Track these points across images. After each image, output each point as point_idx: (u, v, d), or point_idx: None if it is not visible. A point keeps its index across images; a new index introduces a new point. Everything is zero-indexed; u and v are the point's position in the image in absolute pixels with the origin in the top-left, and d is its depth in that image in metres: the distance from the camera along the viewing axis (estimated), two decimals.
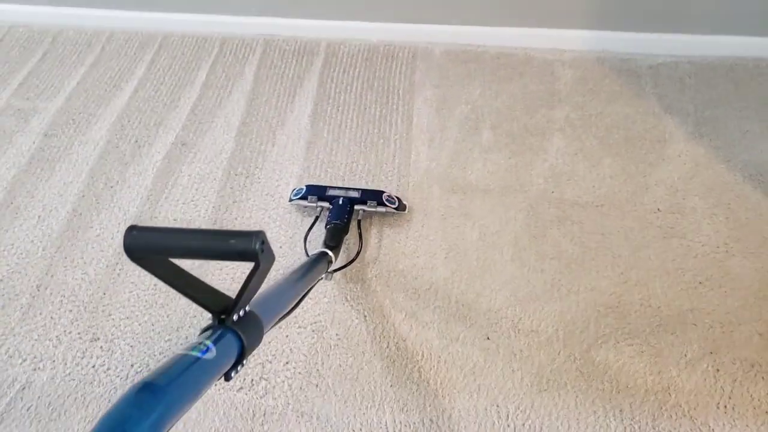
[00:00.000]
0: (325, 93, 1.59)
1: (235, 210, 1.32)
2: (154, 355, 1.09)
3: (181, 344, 1.09)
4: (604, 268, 1.16)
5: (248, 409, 1.01)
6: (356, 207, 1.24)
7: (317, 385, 1.03)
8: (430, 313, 1.11)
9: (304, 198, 1.26)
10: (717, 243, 1.19)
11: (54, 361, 1.09)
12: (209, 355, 0.51)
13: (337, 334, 1.09)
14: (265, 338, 0.66)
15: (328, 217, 1.20)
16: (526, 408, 0.98)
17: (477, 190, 1.32)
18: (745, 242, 1.19)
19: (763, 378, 1.00)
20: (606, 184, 1.32)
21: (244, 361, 0.57)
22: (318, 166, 1.40)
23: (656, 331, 1.06)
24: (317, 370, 1.05)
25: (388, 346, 1.07)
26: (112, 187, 1.38)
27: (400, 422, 0.98)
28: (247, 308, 0.59)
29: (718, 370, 1.01)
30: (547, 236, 1.22)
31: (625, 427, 0.95)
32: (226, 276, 1.20)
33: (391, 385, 1.02)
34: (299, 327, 1.10)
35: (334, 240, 1.11)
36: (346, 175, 1.38)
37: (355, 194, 1.25)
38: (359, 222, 1.24)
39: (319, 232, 1.22)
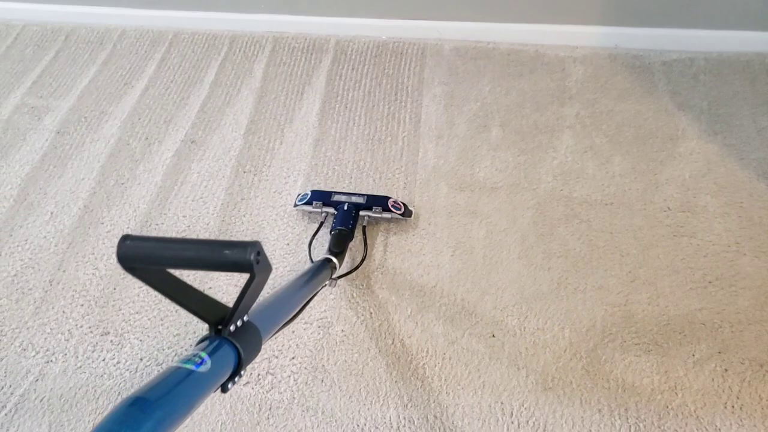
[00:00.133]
0: (333, 90, 1.59)
1: (243, 207, 1.33)
2: (163, 350, 1.10)
3: (184, 345, 1.11)
4: (612, 267, 1.15)
5: (254, 403, 1.02)
6: (361, 213, 1.22)
7: (323, 381, 1.04)
8: (436, 310, 1.11)
9: (308, 203, 1.25)
10: (728, 242, 1.18)
11: (66, 354, 1.11)
12: (204, 368, 0.50)
13: (342, 331, 1.10)
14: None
15: (333, 222, 1.19)
16: (531, 406, 0.98)
17: (485, 188, 1.32)
18: (757, 241, 1.17)
19: None
20: (615, 183, 1.30)
21: (242, 372, 0.56)
22: (326, 164, 1.40)
23: (664, 330, 1.05)
24: (323, 365, 1.05)
25: (393, 343, 1.07)
26: (122, 184, 1.39)
27: (405, 418, 0.98)
28: (245, 318, 0.58)
29: (726, 370, 1.00)
30: (554, 234, 1.22)
31: (630, 426, 0.94)
32: (229, 281, 1.20)
33: (395, 381, 1.02)
34: (305, 323, 1.11)
35: (339, 246, 1.10)
36: (353, 172, 1.38)
37: (360, 200, 1.23)
38: (364, 228, 1.23)
39: (324, 238, 1.22)
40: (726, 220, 1.21)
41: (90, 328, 1.14)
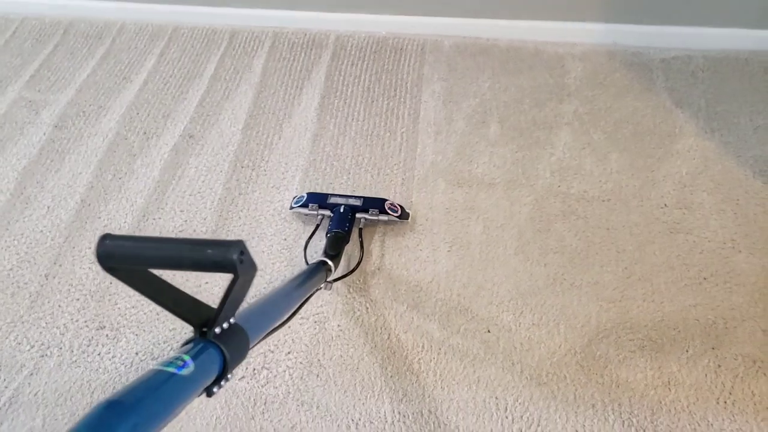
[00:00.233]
0: (332, 86, 1.59)
1: (241, 202, 1.33)
2: (159, 344, 1.11)
3: (180, 340, 1.11)
4: (608, 263, 1.16)
5: (249, 397, 1.02)
6: (358, 215, 1.21)
7: (318, 375, 1.04)
8: (432, 305, 1.12)
9: (304, 206, 1.24)
10: (723, 239, 1.18)
11: (61, 348, 1.11)
12: (186, 371, 0.48)
13: (338, 326, 1.10)
14: None
15: (329, 225, 1.18)
16: (525, 400, 0.98)
17: (482, 184, 1.32)
18: (752, 238, 1.17)
19: (764, 374, 0.98)
20: (613, 179, 1.30)
21: (229, 376, 0.55)
22: (324, 159, 1.40)
23: (658, 327, 1.05)
24: (318, 360, 1.06)
25: (389, 338, 1.08)
26: (120, 178, 1.39)
27: (399, 413, 0.98)
28: (232, 320, 0.57)
29: (719, 366, 1.00)
30: (551, 230, 1.22)
31: (623, 421, 0.95)
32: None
33: (391, 376, 1.03)
34: (302, 318, 1.11)
35: (335, 249, 1.09)
36: (351, 168, 1.38)
37: (356, 202, 1.22)
38: (360, 231, 1.22)
39: (320, 240, 1.21)
40: (722, 217, 1.21)
41: (86, 322, 1.14)
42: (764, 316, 1.06)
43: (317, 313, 1.12)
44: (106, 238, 0.49)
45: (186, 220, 1.30)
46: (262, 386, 1.03)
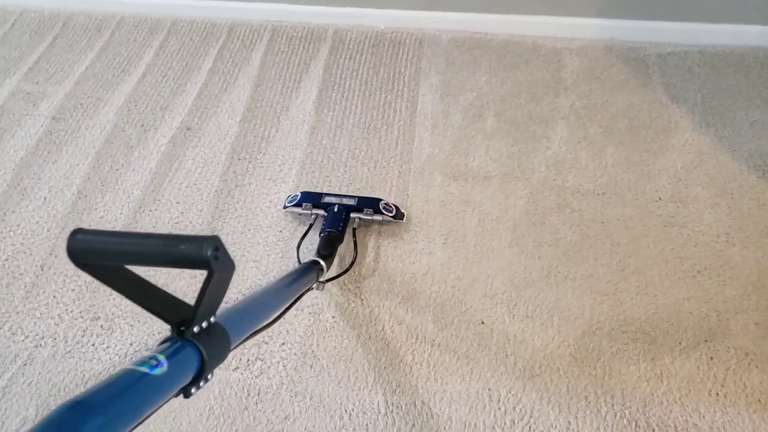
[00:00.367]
0: (330, 79, 1.59)
1: (238, 194, 1.33)
2: (153, 335, 1.11)
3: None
4: (602, 256, 1.16)
5: (243, 388, 1.02)
6: (352, 215, 1.20)
7: (312, 366, 1.04)
8: (426, 297, 1.12)
9: (298, 205, 1.22)
10: (718, 232, 1.18)
11: (55, 338, 1.11)
12: (159, 371, 0.46)
13: (333, 317, 1.10)
14: None
15: (323, 224, 1.16)
16: (518, 392, 0.98)
17: (478, 177, 1.32)
18: (746, 232, 1.18)
19: (757, 367, 0.99)
20: (608, 173, 1.31)
21: (209, 376, 0.53)
22: (321, 152, 1.40)
23: (651, 319, 1.06)
24: (312, 351, 1.06)
25: (383, 329, 1.08)
26: (117, 170, 1.40)
27: (392, 404, 0.99)
28: (212, 319, 0.54)
29: (711, 358, 1.00)
30: (546, 223, 1.22)
31: (615, 413, 0.95)
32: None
33: (384, 367, 1.03)
34: (296, 309, 1.11)
35: (328, 248, 1.08)
36: (348, 161, 1.38)
37: (350, 202, 1.21)
38: (354, 230, 1.20)
39: (314, 240, 1.19)
40: (716, 210, 1.22)
41: (80, 313, 1.14)
42: (757, 309, 1.06)
43: (312, 305, 1.12)
44: (77, 233, 0.48)
45: (182, 212, 1.30)
46: (256, 377, 1.04)
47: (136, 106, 1.55)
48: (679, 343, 1.02)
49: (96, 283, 1.17)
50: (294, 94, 1.56)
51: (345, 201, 1.21)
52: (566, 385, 0.99)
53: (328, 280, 1.10)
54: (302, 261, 1.12)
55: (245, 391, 1.02)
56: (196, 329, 0.52)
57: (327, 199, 1.22)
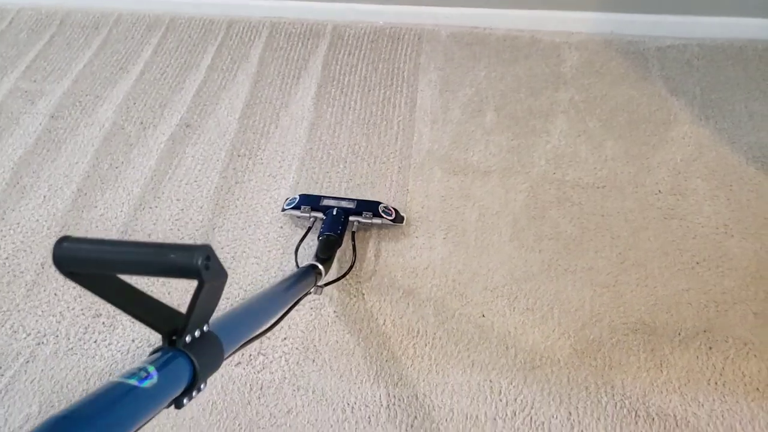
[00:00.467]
0: (329, 75, 1.59)
1: (238, 190, 1.33)
2: (155, 331, 1.11)
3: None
4: (602, 249, 1.16)
5: (245, 382, 1.03)
6: (351, 218, 1.19)
7: (314, 360, 1.04)
8: (427, 291, 1.12)
9: (296, 208, 1.21)
10: (717, 224, 1.18)
11: (57, 336, 1.11)
12: (149, 383, 0.45)
13: (334, 311, 1.11)
14: None
15: (321, 228, 1.15)
16: (519, 383, 0.99)
17: (478, 172, 1.32)
18: (745, 223, 1.18)
19: (755, 356, 0.99)
20: (608, 166, 1.31)
21: (202, 386, 0.52)
22: (321, 148, 1.41)
23: (651, 310, 1.06)
24: (314, 345, 1.06)
25: (384, 323, 1.08)
26: (116, 167, 1.40)
27: (395, 396, 0.99)
28: (205, 328, 0.53)
29: (710, 348, 1.01)
30: (546, 217, 1.22)
31: (616, 403, 0.95)
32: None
33: (386, 361, 1.03)
34: (298, 305, 1.11)
35: (326, 252, 1.07)
36: (348, 156, 1.38)
37: (349, 205, 1.20)
38: (353, 234, 1.19)
39: (312, 243, 1.19)
40: (715, 203, 1.22)
41: (82, 310, 1.14)
42: (755, 300, 1.07)
43: (313, 300, 1.12)
44: (63, 241, 0.46)
45: (182, 209, 1.30)
46: (258, 372, 1.04)
47: (134, 103, 1.55)
48: (679, 334, 1.03)
49: None
50: (293, 90, 1.56)
51: (344, 204, 1.20)
52: (567, 377, 0.99)
53: (326, 284, 1.09)
54: (300, 264, 1.11)
55: (248, 386, 1.02)
56: (188, 339, 0.51)
57: (326, 202, 1.21)
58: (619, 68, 1.54)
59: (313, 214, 1.20)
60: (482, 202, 1.26)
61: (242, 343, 0.65)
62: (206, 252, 0.44)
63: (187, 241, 1.24)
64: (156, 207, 1.31)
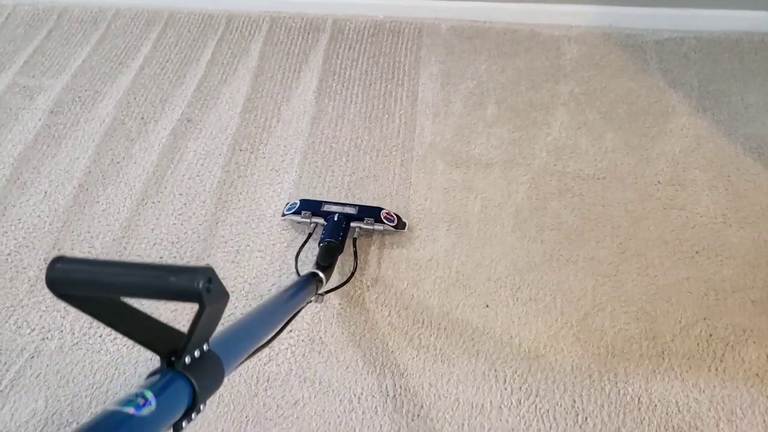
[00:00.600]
0: (330, 69, 1.60)
1: (240, 185, 1.33)
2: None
3: (181, 321, 1.12)
4: (603, 239, 1.18)
5: (252, 375, 1.03)
6: (352, 224, 1.17)
7: (320, 352, 1.05)
8: (431, 282, 1.13)
9: (297, 213, 1.19)
10: (715, 214, 1.20)
11: (62, 331, 1.11)
12: (147, 411, 0.43)
13: (339, 304, 1.11)
14: None
15: (322, 234, 1.13)
16: (524, 372, 1.00)
17: (480, 164, 1.33)
18: (743, 213, 1.20)
19: (754, 342, 1.01)
20: (608, 158, 1.32)
21: (201, 407, 0.50)
22: (323, 142, 1.41)
23: (652, 299, 1.08)
24: (320, 337, 1.07)
25: (389, 314, 1.09)
26: (118, 163, 1.40)
27: (401, 386, 1.00)
28: (205, 347, 0.51)
29: (710, 335, 1.03)
30: (547, 208, 1.24)
31: (618, 390, 0.97)
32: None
33: (392, 352, 1.04)
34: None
35: (327, 259, 1.06)
36: (350, 150, 1.39)
37: (351, 210, 1.18)
38: (355, 240, 1.17)
39: (313, 249, 1.18)
40: (714, 193, 1.24)
41: None
42: (754, 287, 1.08)
43: (318, 292, 1.13)
44: (57, 262, 0.44)
45: (185, 204, 1.31)
46: (265, 364, 1.05)
47: (135, 98, 1.55)
48: (679, 322, 1.05)
49: None
50: (294, 84, 1.57)
51: (345, 210, 1.18)
52: (570, 365, 1.01)
53: (327, 292, 1.07)
54: (301, 271, 1.10)
55: (254, 378, 1.03)
56: (187, 360, 0.49)
57: (327, 207, 1.19)
58: (618, 61, 1.56)
59: (314, 219, 1.19)
60: (484, 194, 1.27)
61: (244, 358, 0.63)
62: (208, 274, 0.42)
63: (191, 235, 1.24)
64: (159, 202, 1.31)
